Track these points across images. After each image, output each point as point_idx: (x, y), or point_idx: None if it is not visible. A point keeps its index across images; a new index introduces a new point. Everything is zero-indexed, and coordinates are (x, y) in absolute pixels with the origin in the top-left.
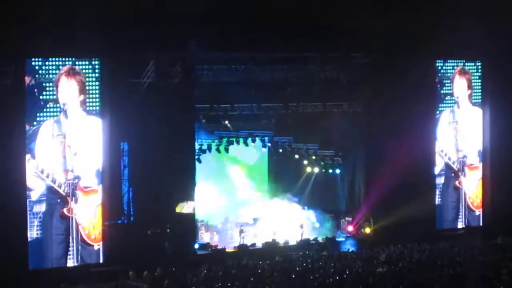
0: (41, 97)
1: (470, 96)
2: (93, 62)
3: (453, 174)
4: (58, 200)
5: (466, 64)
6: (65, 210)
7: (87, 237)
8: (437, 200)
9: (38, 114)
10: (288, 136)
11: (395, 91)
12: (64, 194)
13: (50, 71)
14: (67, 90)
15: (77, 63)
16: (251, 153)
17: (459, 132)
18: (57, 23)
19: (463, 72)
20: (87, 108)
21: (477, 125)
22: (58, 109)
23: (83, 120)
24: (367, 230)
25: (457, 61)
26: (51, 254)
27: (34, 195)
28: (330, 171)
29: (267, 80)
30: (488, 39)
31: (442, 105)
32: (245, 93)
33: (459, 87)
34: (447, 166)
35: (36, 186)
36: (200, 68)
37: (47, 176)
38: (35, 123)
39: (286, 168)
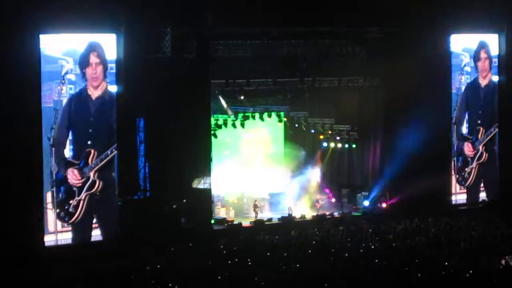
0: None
1: (488, 71)
2: (108, 37)
3: (467, 152)
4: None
5: (481, 37)
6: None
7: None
8: (453, 177)
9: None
10: (304, 111)
11: (410, 65)
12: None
13: (67, 46)
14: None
15: (92, 37)
16: (267, 128)
17: (473, 108)
18: None
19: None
20: (102, 84)
21: (492, 101)
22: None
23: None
24: (383, 205)
25: (472, 34)
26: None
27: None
28: (346, 146)
29: (282, 55)
30: (505, 12)
31: (458, 79)
32: (260, 68)
33: (480, 64)
34: (461, 144)
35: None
36: (216, 43)
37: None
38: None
39: (302, 143)
